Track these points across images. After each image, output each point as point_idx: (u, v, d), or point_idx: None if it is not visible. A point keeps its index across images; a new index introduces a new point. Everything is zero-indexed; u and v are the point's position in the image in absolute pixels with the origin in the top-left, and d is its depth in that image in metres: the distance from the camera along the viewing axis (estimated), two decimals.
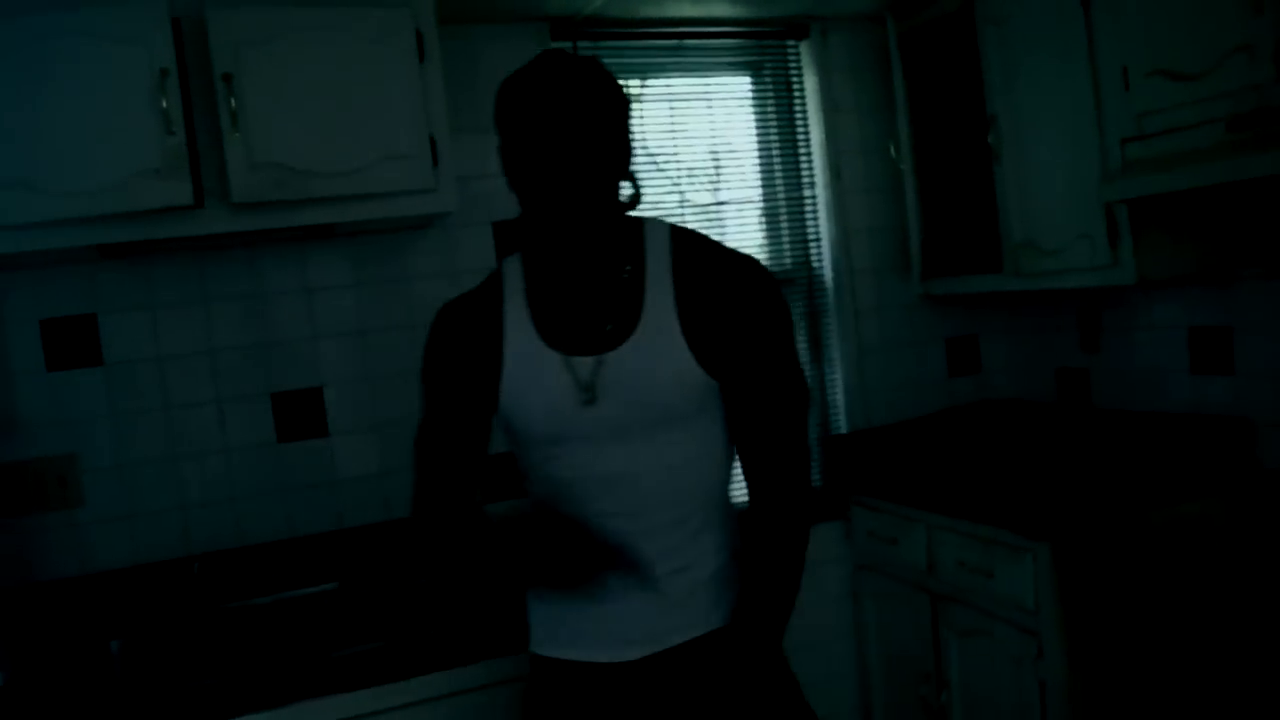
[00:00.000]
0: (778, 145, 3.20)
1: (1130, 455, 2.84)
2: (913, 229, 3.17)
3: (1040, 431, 3.20)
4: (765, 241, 3.21)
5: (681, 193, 3.08)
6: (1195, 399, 2.70)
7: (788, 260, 3.22)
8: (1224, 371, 2.61)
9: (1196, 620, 2.38)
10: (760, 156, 3.20)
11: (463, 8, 2.57)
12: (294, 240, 2.56)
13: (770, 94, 3.20)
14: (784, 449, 1.51)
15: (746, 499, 1.54)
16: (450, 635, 2.07)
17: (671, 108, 3.07)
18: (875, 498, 2.97)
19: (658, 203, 3.02)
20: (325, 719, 1.95)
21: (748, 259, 1.52)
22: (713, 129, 3.13)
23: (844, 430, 3.22)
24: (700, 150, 3.11)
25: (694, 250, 1.50)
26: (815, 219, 3.23)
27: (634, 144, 1.48)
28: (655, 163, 3.03)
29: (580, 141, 1.38)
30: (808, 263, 3.23)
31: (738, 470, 1.57)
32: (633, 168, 1.49)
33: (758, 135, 3.20)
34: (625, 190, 1.49)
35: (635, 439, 1.46)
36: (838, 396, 3.24)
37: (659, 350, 1.45)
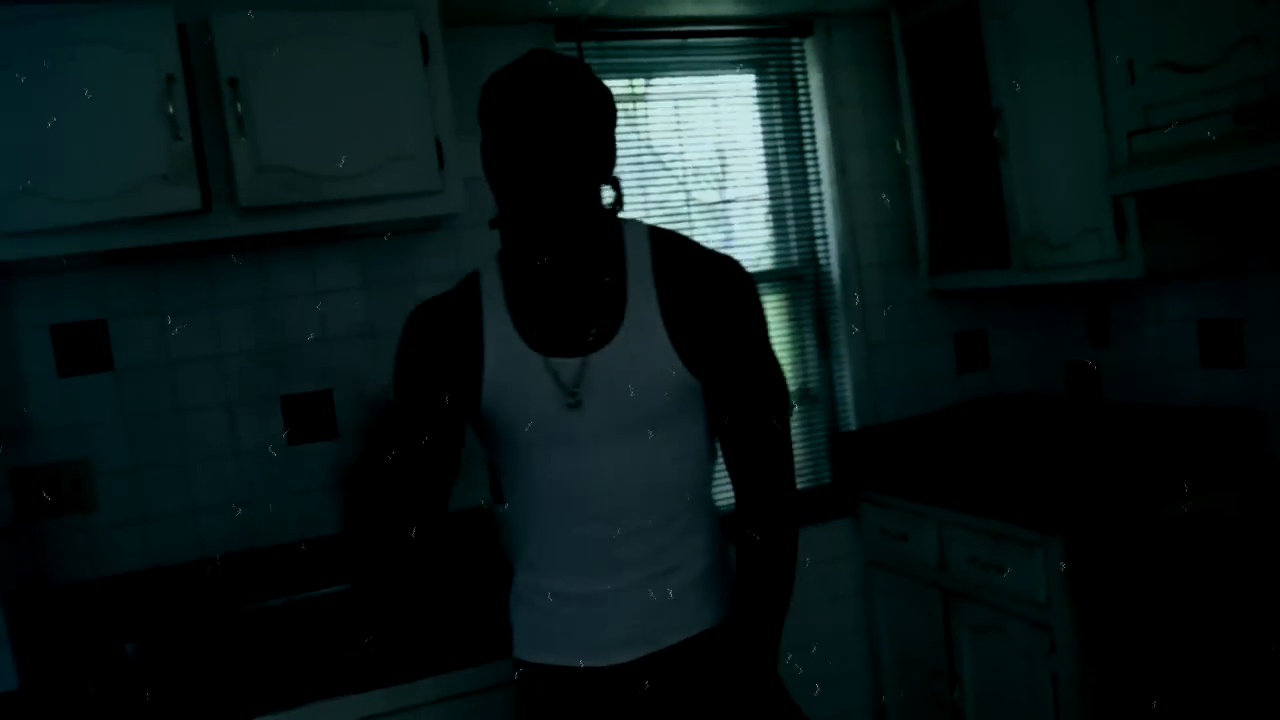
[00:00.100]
0: (783, 142, 3.20)
1: (1141, 449, 2.83)
2: (919, 224, 3.17)
3: (1050, 426, 3.20)
4: (772, 239, 3.21)
5: (687, 191, 3.08)
6: (1205, 392, 2.69)
7: (794, 257, 3.22)
8: (1234, 364, 2.60)
9: (1209, 613, 2.38)
10: (766, 154, 3.20)
11: (467, 10, 2.58)
12: (301, 243, 2.57)
13: (775, 91, 3.20)
14: (770, 446, 1.52)
15: (734, 499, 1.54)
16: (463, 635, 2.07)
17: (676, 107, 3.07)
18: (885, 494, 2.97)
19: (664, 201, 3.03)
20: (340, 719, 1.96)
21: (727, 259, 1.53)
22: (718, 127, 3.13)
23: (853, 427, 3.22)
24: (706, 149, 3.12)
25: (673, 251, 1.50)
26: (821, 215, 3.22)
27: (618, 150, 1.48)
28: (661, 162, 3.03)
29: (562, 142, 1.37)
30: (814, 259, 3.23)
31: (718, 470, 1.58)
32: (616, 173, 1.48)
33: (763, 133, 3.20)
34: (607, 195, 1.49)
35: (620, 441, 1.46)
36: (846, 393, 3.24)
37: (644, 350, 1.44)
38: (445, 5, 2.37)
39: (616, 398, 1.44)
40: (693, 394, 1.49)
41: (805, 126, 3.21)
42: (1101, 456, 2.87)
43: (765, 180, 3.20)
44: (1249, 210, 2.48)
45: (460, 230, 2.72)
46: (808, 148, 3.21)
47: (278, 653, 2.16)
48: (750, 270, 3.22)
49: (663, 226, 1.56)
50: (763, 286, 3.18)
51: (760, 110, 3.20)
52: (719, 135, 3.13)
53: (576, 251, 1.45)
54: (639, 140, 2.98)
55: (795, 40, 3.19)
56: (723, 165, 3.15)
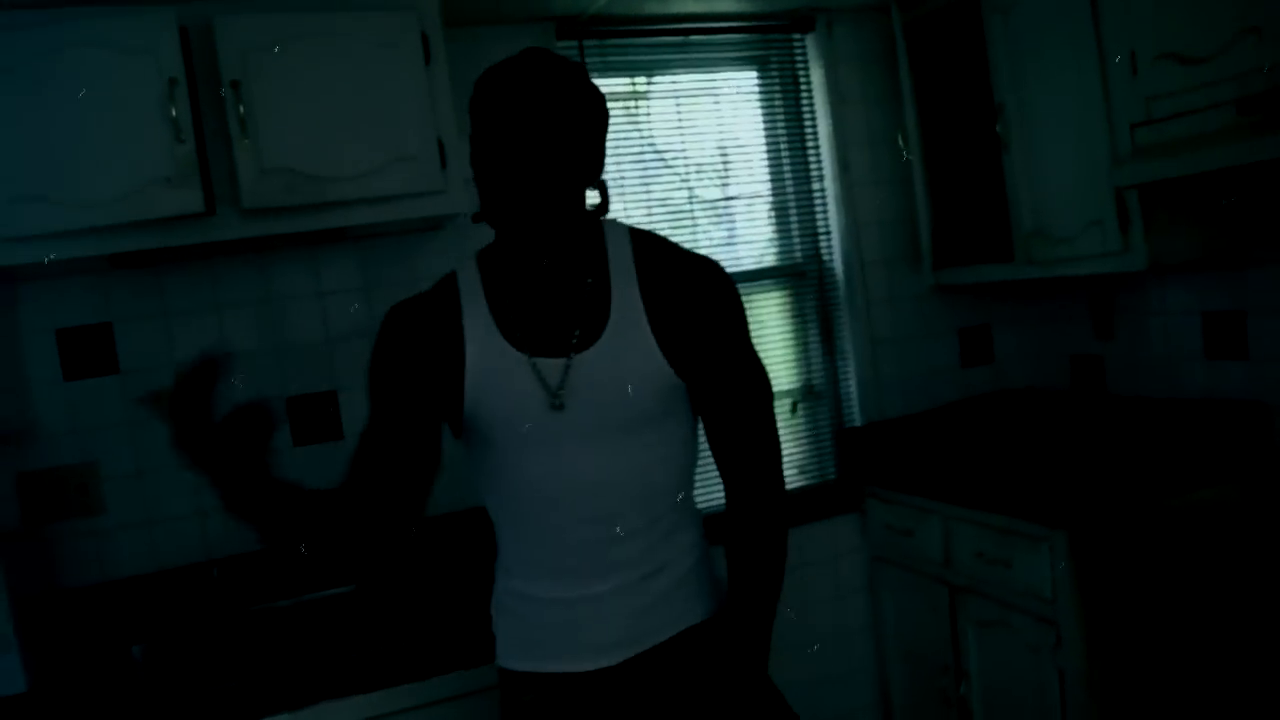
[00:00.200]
0: (785, 139, 3.20)
1: (1146, 442, 2.83)
2: (922, 219, 3.16)
3: (1055, 420, 3.19)
4: (775, 235, 3.21)
5: (690, 189, 3.08)
6: (1210, 384, 2.69)
7: (798, 254, 3.22)
8: (1238, 356, 2.60)
9: (1215, 606, 2.37)
10: (768, 150, 3.20)
11: (468, 10, 2.58)
12: (305, 245, 2.57)
13: (777, 88, 3.20)
14: (759, 442, 1.53)
15: (713, 500, 1.55)
16: (471, 635, 2.08)
17: (678, 104, 3.07)
18: (890, 490, 2.97)
19: (666, 199, 3.03)
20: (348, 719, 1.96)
21: (707, 259, 1.54)
22: (720, 124, 3.13)
23: (858, 423, 3.22)
24: (708, 146, 3.11)
25: (654, 252, 1.51)
26: (825, 212, 3.22)
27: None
28: (663, 159, 3.03)
29: (549, 141, 1.36)
30: (818, 256, 3.23)
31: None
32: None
33: (765, 129, 3.19)
34: (592, 198, 1.48)
35: (605, 442, 1.45)
36: (851, 389, 3.23)
37: (630, 351, 1.44)
38: (446, 5, 2.37)
39: (602, 399, 1.43)
40: (677, 394, 1.49)
41: (807, 122, 3.20)
42: (1107, 450, 2.87)
43: (768, 177, 3.20)
44: (1252, 201, 2.47)
45: (463, 230, 2.70)
46: (810, 144, 3.21)
47: (285, 654, 2.16)
48: (754, 267, 3.25)
49: (641, 227, 1.56)
50: (766, 283, 3.18)
51: (762, 107, 3.20)
52: (721, 132, 3.13)
53: (559, 251, 1.45)
54: (641, 138, 2.98)
55: (797, 36, 3.18)
56: (725, 162, 3.15)
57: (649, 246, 1.51)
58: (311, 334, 2.60)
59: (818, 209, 3.22)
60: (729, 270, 3.25)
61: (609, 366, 1.43)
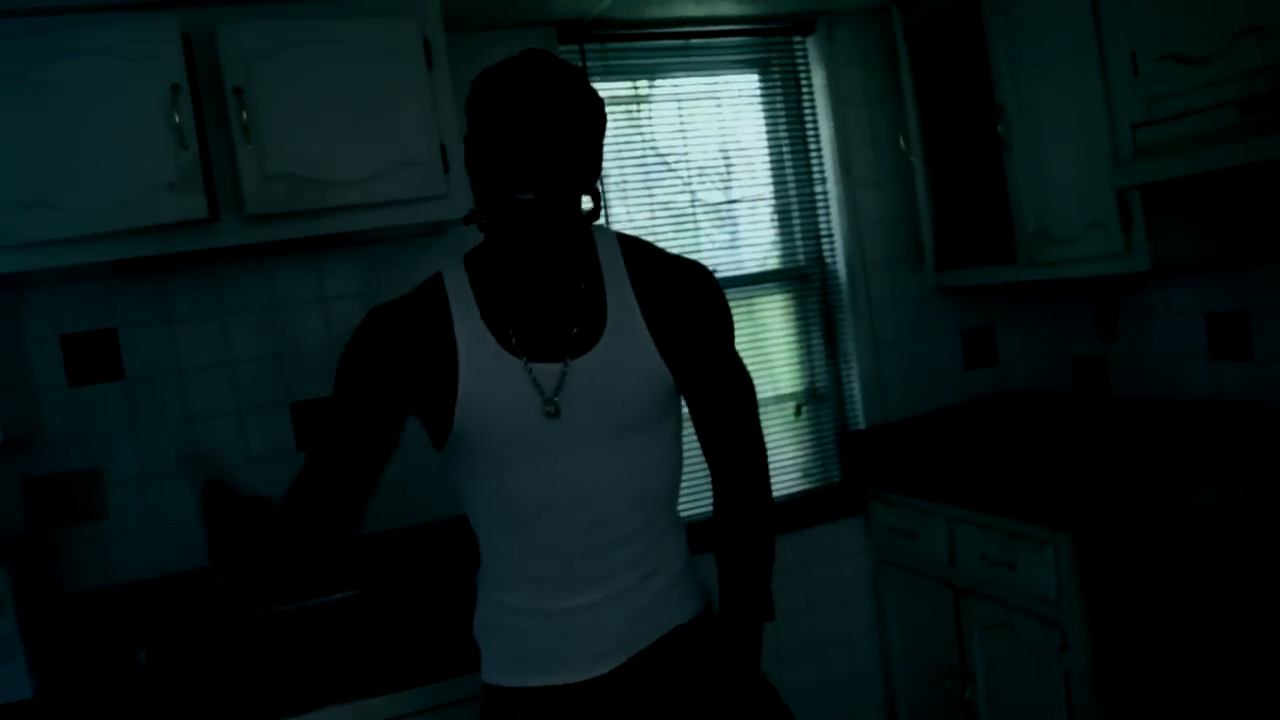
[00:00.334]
0: (787, 141, 3.20)
1: (1150, 443, 2.82)
2: (925, 221, 3.16)
3: (1059, 421, 3.19)
4: (777, 238, 3.22)
5: (692, 192, 3.08)
6: (1214, 385, 2.68)
7: (800, 256, 3.22)
8: (1242, 357, 2.59)
9: (1220, 607, 2.37)
10: (770, 153, 3.20)
11: (470, 15, 2.59)
12: (308, 250, 2.58)
13: (778, 90, 3.20)
14: (749, 442, 1.56)
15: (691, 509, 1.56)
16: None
17: (680, 108, 3.07)
18: (894, 492, 2.97)
19: (669, 202, 3.03)
20: None
21: (696, 264, 1.55)
22: (722, 127, 3.13)
23: (861, 426, 3.22)
24: (710, 149, 3.12)
25: (644, 257, 1.51)
26: (827, 214, 3.22)
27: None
28: (666, 163, 3.04)
29: (553, 143, 1.33)
30: (820, 258, 3.23)
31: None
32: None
33: (767, 132, 3.20)
34: (586, 203, 1.46)
35: (602, 447, 1.43)
36: (854, 392, 3.23)
37: (628, 353, 1.43)
38: (448, 10, 2.37)
39: (600, 403, 1.42)
40: (671, 396, 1.50)
41: (809, 125, 3.21)
42: (1110, 452, 2.86)
43: (770, 179, 3.20)
44: (1254, 202, 2.47)
45: (466, 235, 2.72)
46: (812, 146, 3.21)
47: (289, 658, 2.16)
48: (756, 270, 3.25)
49: (627, 233, 1.56)
50: (769, 286, 3.18)
51: (764, 109, 3.20)
52: (723, 135, 3.13)
53: (557, 255, 1.43)
54: (643, 142, 2.98)
55: (798, 39, 3.19)
56: (727, 165, 3.15)
57: (638, 251, 1.51)
58: (315, 339, 2.61)
59: (820, 211, 3.22)
60: (732, 273, 3.28)
61: (608, 369, 1.42)
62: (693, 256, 1.61)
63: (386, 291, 2.64)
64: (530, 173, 1.33)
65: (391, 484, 2.67)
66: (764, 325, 3.16)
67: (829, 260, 3.24)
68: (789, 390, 3.19)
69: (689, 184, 3.08)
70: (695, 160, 3.09)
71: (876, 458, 3.18)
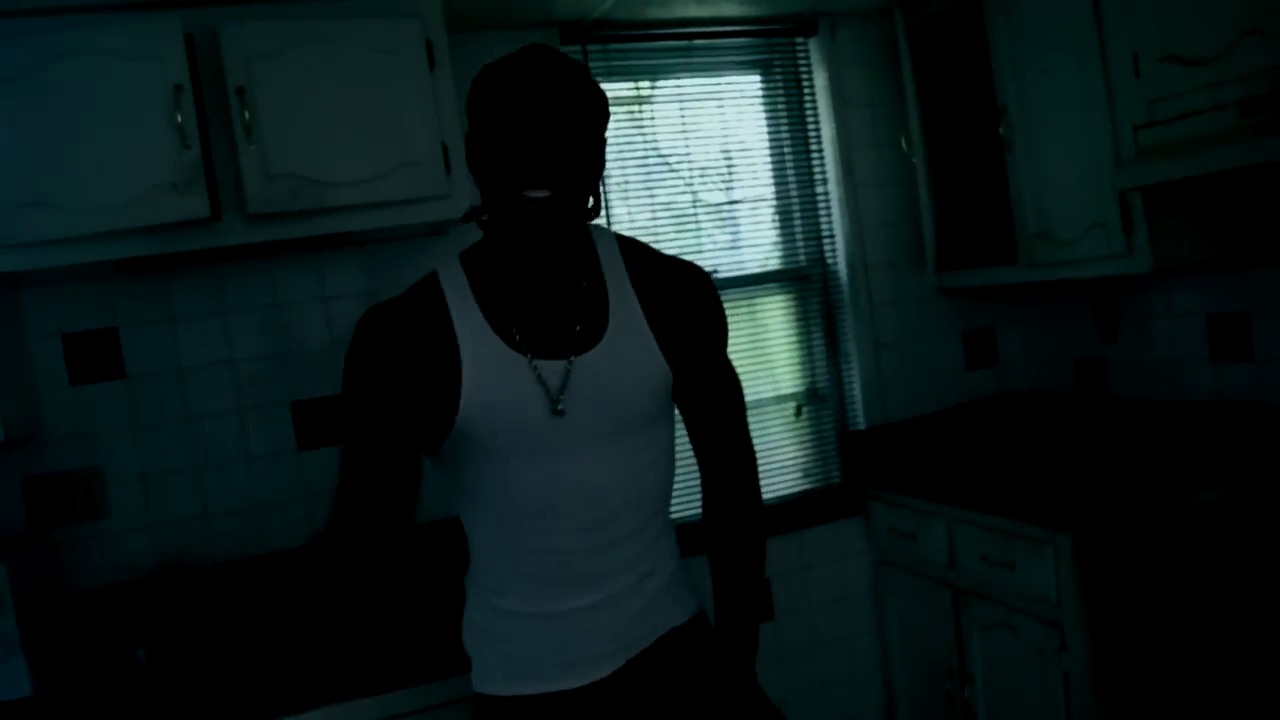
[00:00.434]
0: (789, 142, 3.21)
1: (1151, 444, 2.82)
2: (926, 222, 3.16)
3: (1059, 422, 3.19)
4: (779, 239, 3.22)
5: (694, 192, 3.08)
6: (1215, 386, 2.68)
7: (802, 257, 3.22)
8: (1243, 358, 2.59)
9: (1220, 608, 2.37)
10: (772, 154, 3.21)
11: (472, 15, 2.59)
12: (310, 250, 2.58)
13: (780, 91, 3.20)
14: (741, 443, 1.58)
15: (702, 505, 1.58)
16: None
17: (682, 108, 3.07)
18: (895, 493, 2.97)
19: (670, 203, 3.03)
20: None
21: (694, 265, 1.55)
22: (724, 128, 3.13)
23: (862, 426, 3.22)
24: (712, 150, 3.12)
25: (643, 255, 1.51)
26: (829, 215, 3.23)
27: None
28: (667, 163, 3.04)
29: (563, 137, 1.31)
30: (822, 259, 3.23)
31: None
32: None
33: (769, 133, 3.20)
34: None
35: (603, 446, 1.42)
36: (855, 392, 3.23)
37: (631, 350, 1.43)
38: (450, 11, 2.38)
39: (602, 401, 1.41)
40: (669, 396, 1.50)
41: (811, 126, 3.21)
42: (1111, 452, 2.86)
43: (772, 180, 3.20)
44: (1255, 203, 2.47)
45: (467, 235, 2.72)
46: (814, 147, 3.21)
47: (290, 657, 2.17)
48: (758, 271, 3.26)
49: (623, 234, 1.56)
50: (770, 287, 3.19)
51: (766, 110, 3.20)
52: (725, 136, 3.14)
53: (562, 252, 1.41)
54: (645, 142, 2.99)
55: (800, 40, 3.19)
56: (729, 166, 3.15)
57: (636, 251, 1.51)
58: (316, 338, 2.61)
59: (821, 212, 3.22)
60: (733, 274, 3.28)
61: (611, 367, 1.41)
62: (694, 257, 1.62)
63: (388, 291, 2.64)
64: (543, 169, 1.30)
65: None
66: (765, 326, 3.16)
67: (830, 261, 3.24)
68: (790, 390, 3.19)
69: (691, 184, 3.08)
70: (697, 161, 3.09)
71: (877, 458, 3.18)
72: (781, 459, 3.17)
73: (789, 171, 3.21)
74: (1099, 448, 2.94)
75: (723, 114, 3.14)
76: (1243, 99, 2.06)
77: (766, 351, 3.15)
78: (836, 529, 3.13)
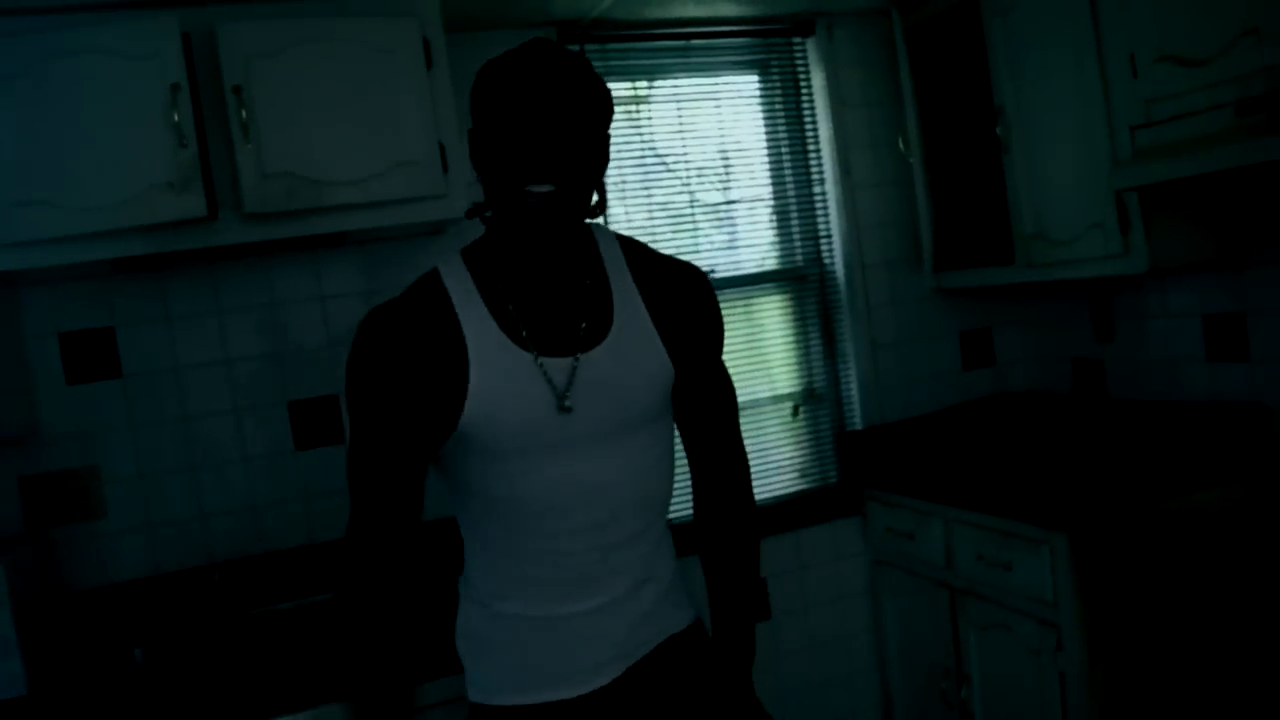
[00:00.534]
0: (786, 142, 3.21)
1: (1147, 444, 2.82)
2: (923, 222, 3.17)
3: (1056, 423, 3.19)
4: (776, 239, 3.22)
5: (691, 192, 3.08)
6: (1211, 386, 2.69)
7: (799, 257, 3.22)
8: (1239, 358, 2.60)
9: (1216, 608, 2.37)
10: (769, 154, 3.21)
11: (469, 15, 2.59)
12: (307, 249, 2.58)
13: (778, 91, 3.20)
14: (734, 444, 1.59)
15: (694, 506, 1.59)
16: None
17: (679, 108, 3.08)
18: (891, 493, 2.97)
19: (668, 203, 3.03)
20: None
21: (693, 265, 1.55)
22: (721, 128, 3.14)
23: (859, 426, 3.22)
24: (709, 149, 3.12)
25: (643, 255, 1.51)
26: (826, 215, 3.23)
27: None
28: (665, 163, 3.04)
29: (570, 133, 1.29)
30: (819, 259, 3.23)
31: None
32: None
33: (766, 133, 3.20)
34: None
35: (608, 445, 1.41)
36: (852, 392, 3.24)
37: (636, 348, 1.43)
38: (448, 10, 2.38)
39: (608, 399, 1.40)
40: (669, 395, 1.50)
41: (808, 126, 3.21)
42: (1108, 453, 2.87)
43: (769, 180, 3.20)
44: (1252, 203, 2.48)
45: (465, 234, 2.72)
46: (811, 147, 3.21)
47: (285, 657, 2.17)
48: (755, 270, 3.25)
49: (623, 233, 1.56)
50: (767, 287, 3.19)
51: (763, 110, 3.20)
52: (722, 136, 3.14)
53: (568, 249, 1.41)
54: (642, 142, 2.99)
55: (797, 40, 3.19)
56: (726, 166, 3.15)
57: (637, 250, 1.51)
58: (313, 338, 2.61)
59: (819, 212, 3.23)
60: (731, 274, 3.28)
61: (617, 364, 1.40)
62: (691, 257, 1.63)
63: (385, 291, 2.67)
64: (548, 164, 1.28)
65: None
66: (762, 325, 3.16)
67: (827, 261, 3.24)
68: (787, 390, 3.19)
69: (688, 184, 3.08)
70: (694, 161, 3.09)
71: (874, 458, 3.18)
72: (778, 459, 3.17)
73: (786, 171, 3.21)
74: (1095, 448, 2.95)
75: (720, 114, 3.14)
76: (1239, 99, 2.06)
77: (763, 351, 3.15)
78: (833, 529, 3.14)
